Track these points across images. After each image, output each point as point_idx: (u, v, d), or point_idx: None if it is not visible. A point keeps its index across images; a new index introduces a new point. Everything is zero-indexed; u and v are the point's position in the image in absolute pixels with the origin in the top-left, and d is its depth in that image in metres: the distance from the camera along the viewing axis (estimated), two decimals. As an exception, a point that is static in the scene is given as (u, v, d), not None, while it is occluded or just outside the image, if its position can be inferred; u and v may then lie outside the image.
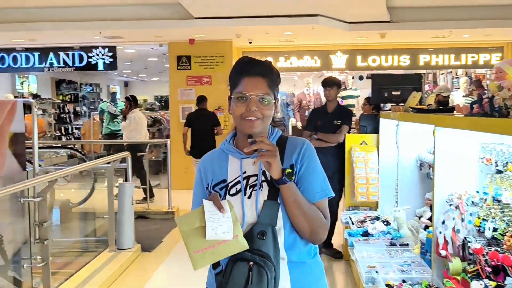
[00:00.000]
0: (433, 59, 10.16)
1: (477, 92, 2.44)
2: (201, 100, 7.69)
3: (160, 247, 5.82)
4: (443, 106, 6.63)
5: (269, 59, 2.14)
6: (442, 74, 11.79)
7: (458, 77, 10.85)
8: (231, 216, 1.58)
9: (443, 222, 2.91)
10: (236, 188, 1.70)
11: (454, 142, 2.86)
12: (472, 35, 9.19)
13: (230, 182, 1.72)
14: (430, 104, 4.19)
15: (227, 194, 1.71)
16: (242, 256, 1.57)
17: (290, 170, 1.61)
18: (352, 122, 6.61)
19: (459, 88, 9.67)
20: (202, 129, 7.48)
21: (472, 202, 2.81)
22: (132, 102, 8.18)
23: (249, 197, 1.67)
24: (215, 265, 1.65)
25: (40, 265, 3.69)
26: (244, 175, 1.71)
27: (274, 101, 1.70)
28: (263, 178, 1.68)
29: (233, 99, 1.69)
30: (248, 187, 1.69)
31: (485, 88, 2.27)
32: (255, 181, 1.69)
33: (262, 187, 1.67)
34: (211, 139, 7.50)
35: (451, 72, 11.42)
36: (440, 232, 2.92)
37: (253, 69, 1.69)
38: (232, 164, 1.75)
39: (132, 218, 5.38)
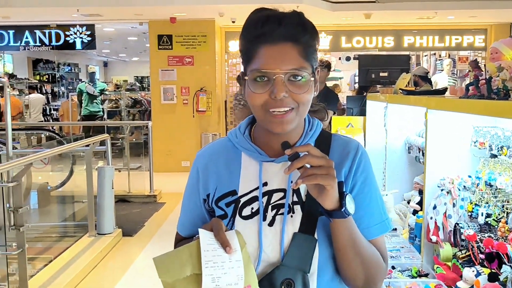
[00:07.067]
0: (417, 40, 10.17)
1: (474, 73, 2.33)
2: None
3: (142, 231, 5.69)
4: (417, 86, 6.57)
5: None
6: (425, 56, 11.78)
7: (441, 59, 10.85)
8: (241, 258, 1.00)
9: (434, 207, 2.85)
10: (252, 208, 1.14)
11: (446, 125, 2.78)
12: (457, 17, 9.16)
13: (242, 197, 1.15)
14: (401, 89, 4.09)
15: (237, 215, 1.15)
16: None
17: (350, 196, 1.07)
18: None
19: (442, 70, 9.67)
20: None
21: (464, 186, 2.74)
22: None
23: (271, 224, 1.12)
24: None
25: (16, 252, 3.54)
26: (265, 189, 1.14)
27: (312, 77, 1.09)
28: (295, 198, 1.13)
29: (247, 80, 1.08)
30: (270, 208, 1.14)
31: (482, 69, 2.17)
32: (281, 199, 1.14)
33: (293, 212, 1.12)
34: None
35: (434, 54, 11.43)
36: (431, 218, 2.85)
37: (277, 31, 1.06)
38: (246, 168, 1.17)
39: (112, 202, 5.24)
